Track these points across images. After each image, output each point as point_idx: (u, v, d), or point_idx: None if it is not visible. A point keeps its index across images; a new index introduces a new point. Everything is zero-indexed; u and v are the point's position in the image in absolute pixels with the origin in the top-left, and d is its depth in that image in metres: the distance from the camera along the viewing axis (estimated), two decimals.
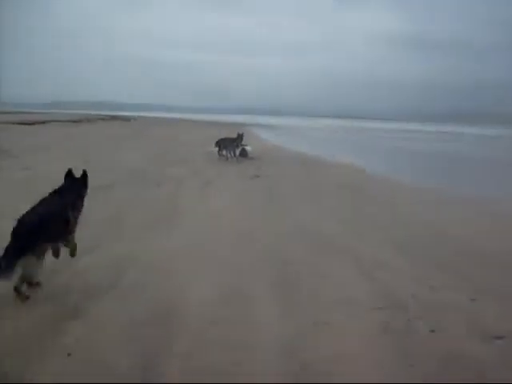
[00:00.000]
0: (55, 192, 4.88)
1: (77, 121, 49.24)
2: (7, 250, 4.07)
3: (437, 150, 30.35)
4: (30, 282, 4.44)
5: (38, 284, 4.55)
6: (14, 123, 34.76)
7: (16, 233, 4.18)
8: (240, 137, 18.02)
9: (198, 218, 7.90)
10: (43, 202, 4.65)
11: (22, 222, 4.26)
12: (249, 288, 4.82)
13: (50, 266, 4.67)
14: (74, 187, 5.06)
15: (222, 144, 17.84)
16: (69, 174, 5.19)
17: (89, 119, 57.54)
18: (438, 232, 7.46)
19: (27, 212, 4.40)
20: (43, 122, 39.41)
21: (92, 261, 5.46)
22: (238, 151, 18.05)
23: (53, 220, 4.46)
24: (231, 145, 17.55)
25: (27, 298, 4.31)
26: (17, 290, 4.29)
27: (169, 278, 5.01)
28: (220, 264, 5.54)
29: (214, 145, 17.91)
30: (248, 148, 18.18)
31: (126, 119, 70.80)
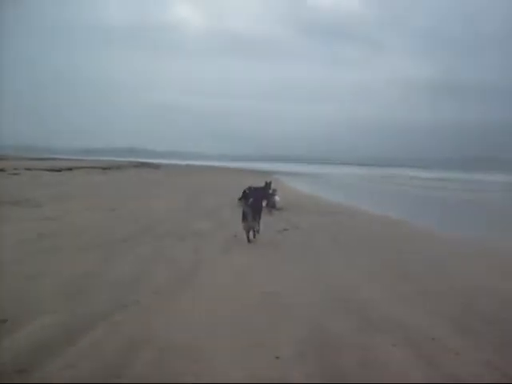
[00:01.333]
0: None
1: (105, 168, 49.86)
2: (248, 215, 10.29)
3: (476, 199, 29.20)
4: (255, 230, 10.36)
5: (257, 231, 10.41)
6: (40, 169, 35.24)
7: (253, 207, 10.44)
8: (268, 185, 17.47)
9: (221, 280, 7.06)
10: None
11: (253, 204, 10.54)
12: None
13: None
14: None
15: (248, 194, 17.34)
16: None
17: (118, 166, 58.33)
18: (501, 301, 6.49)
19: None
20: (70, 169, 39.89)
21: (95, 341, 4.67)
22: (264, 202, 17.49)
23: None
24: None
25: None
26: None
27: (190, 361, 4.29)
28: (245, 346, 4.70)
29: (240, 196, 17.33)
30: (277, 198, 17.51)
31: (155, 166, 71.69)
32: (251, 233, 10.39)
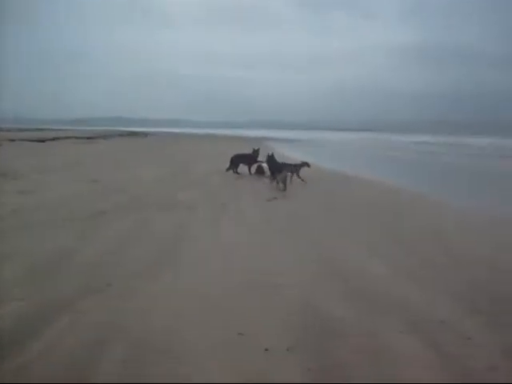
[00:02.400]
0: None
1: (91, 137, 48.74)
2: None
3: (469, 164, 28.80)
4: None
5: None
6: (24, 140, 34.23)
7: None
8: (256, 152, 16.92)
9: (207, 258, 6.36)
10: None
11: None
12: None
13: None
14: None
15: (235, 161, 16.86)
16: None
17: (104, 135, 57.13)
18: (507, 276, 5.95)
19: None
20: (53, 139, 38.82)
21: (57, 335, 4.08)
22: (253, 168, 16.94)
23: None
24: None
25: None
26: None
27: (168, 357, 3.71)
28: (233, 338, 4.13)
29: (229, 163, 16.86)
30: (265, 165, 16.91)
31: (143, 135, 70.54)
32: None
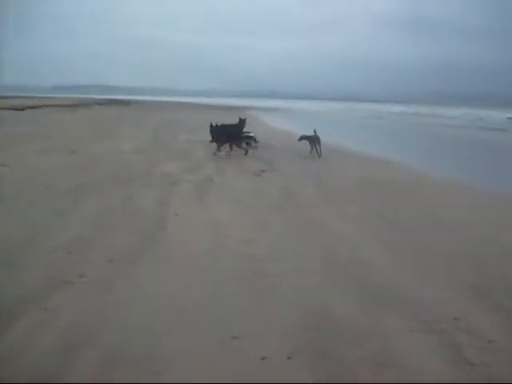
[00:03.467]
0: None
1: (72, 105, 47.35)
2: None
3: (456, 135, 28.50)
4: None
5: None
6: (1, 108, 32.94)
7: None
8: (243, 122, 16.14)
9: (192, 241, 5.78)
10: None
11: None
12: None
13: None
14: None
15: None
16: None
17: (86, 104, 55.65)
18: None
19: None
20: (33, 107, 37.45)
21: (20, 337, 3.52)
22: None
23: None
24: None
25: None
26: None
27: (148, 364, 3.14)
28: (223, 342, 3.59)
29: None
30: (251, 135, 16.18)
31: (126, 103, 69.03)
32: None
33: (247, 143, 14.47)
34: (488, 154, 18.69)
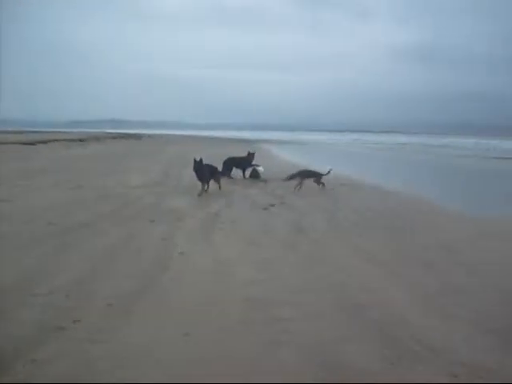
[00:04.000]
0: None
1: (83, 139, 47.72)
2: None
3: (466, 165, 28.07)
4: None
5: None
6: (12, 143, 33.20)
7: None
8: (251, 156, 16.00)
9: (194, 285, 5.41)
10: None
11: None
12: None
13: None
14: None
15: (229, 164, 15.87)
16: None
17: (97, 137, 56.13)
18: None
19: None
20: (45, 142, 37.68)
21: None
22: (248, 172, 16.04)
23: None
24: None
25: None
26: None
27: None
28: None
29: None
30: (260, 168, 16.03)
31: (137, 137, 69.62)
32: None
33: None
34: (500, 184, 18.21)
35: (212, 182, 12.79)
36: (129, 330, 4.21)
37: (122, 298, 4.95)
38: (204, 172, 12.38)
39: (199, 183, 12.39)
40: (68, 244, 7.00)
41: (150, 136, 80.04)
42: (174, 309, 4.71)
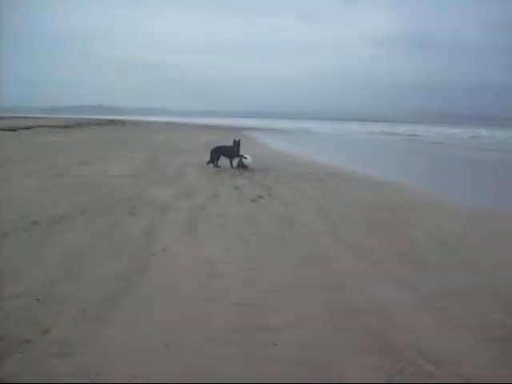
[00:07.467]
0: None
1: (67, 126, 46.73)
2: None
3: (459, 155, 27.93)
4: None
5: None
6: None
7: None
8: (237, 144, 15.48)
9: (177, 285, 5.00)
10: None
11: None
12: None
13: None
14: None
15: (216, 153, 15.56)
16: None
17: (81, 124, 55.12)
18: None
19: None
20: (28, 128, 36.73)
21: None
22: (235, 162, 15.53)
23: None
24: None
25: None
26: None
27: None
28: None
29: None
30: (248, 160, 15.47)
31: (121, 123, 68.71)
32: None
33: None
34: (494, 174, 18.05)
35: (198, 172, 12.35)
36: (102, 341, 3.77)
37: (96, 302, 4.50)
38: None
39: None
40: (40, 239, 6.47)
41: (134, 122, 78.90)
42: (154, 315, 4.28)
